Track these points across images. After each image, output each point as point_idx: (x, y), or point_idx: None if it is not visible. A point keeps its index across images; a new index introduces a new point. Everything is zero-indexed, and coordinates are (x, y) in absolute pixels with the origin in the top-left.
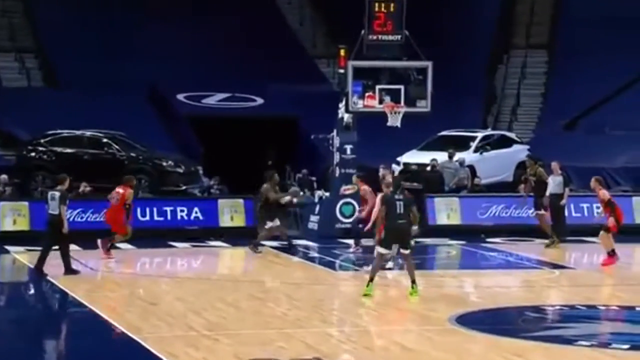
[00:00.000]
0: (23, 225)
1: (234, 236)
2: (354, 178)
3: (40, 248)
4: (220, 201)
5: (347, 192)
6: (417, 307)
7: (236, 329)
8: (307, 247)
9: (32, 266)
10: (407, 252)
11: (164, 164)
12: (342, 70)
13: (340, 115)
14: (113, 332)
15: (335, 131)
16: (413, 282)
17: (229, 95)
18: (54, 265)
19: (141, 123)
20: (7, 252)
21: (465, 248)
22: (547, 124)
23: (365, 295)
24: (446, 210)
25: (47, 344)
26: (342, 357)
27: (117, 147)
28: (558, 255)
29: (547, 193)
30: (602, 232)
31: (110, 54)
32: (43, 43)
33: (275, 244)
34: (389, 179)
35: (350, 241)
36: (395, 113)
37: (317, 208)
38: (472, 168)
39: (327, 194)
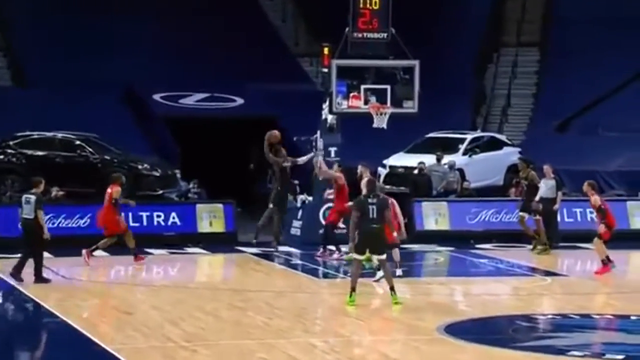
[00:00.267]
0: None
1: (213, 242)
2: (335, 166)
3: (7, 255)
4: (198, 206)
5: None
6: (403, 316)
7: (215, 340)
8: (289, 254)
9: (1, 275)
10: (382, 257)
11: (140, 167)
12: (325, 70)
13: (323, 117)
14: (86, 344)
15: (318, 133)
16: (391, 289)
17: (208, 95)
18: (23, 273)
19: (116, 124)
20: None
21: (454, 254)
22: (539, 125)
23: (349, 304)
24: (434, 216)
25: (16, 357)
26: None
27: (90, 149)
28: (550, 262)
29: (538, 197)
30: (595, 239)
31: (83, 53)
32: (12, 41)
33: (255, 250)
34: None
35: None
36: (381, 114)
37: (300, 213)
38: (461, 171)
39: (311, 198)
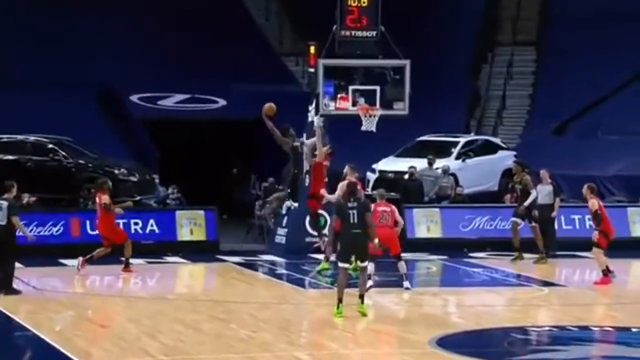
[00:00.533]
0: None
1: (194, 251)
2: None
3: None
4: (178, 213)
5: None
6: (393, 328)
7: (195, 354)
8: (273, 263)
9: None
10: (364, 264)
11: (116, 171)
12: (312, 70)
13: (310, 119)
14: (59, 359)
15: (304, 136)
16: (361, 297)
17: (188, 96)
18: None
19: (91, 127)
20: None
21: (446, 263)
22: (535, 128)
23: (336, 316)
24: (426, 223)
25: None
26: None
27: (63, 153)
28: (547, 272)
29: (527, 203)
30: (594, 249)
31: (56, 52)
32: None
33: (238, 259)
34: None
35: (321, 256)
36: (370, 116)
37: (285, 220)
38: (454, 176)
39: (296, 204)
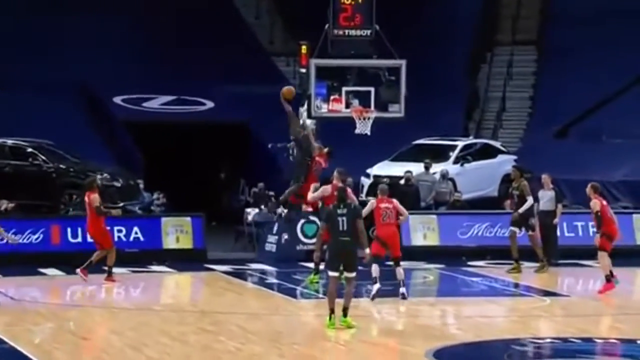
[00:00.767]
0: None
1: (180, 260)
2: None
3: None
4: (163, 220)
5: (310, 209)
6: (389, 340)
7: None
8: (263, 272)
9: None
10: (352, 275)
11: (99, 177)
12: (303, 70)
13: (301, 121)
14: None
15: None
16: (345, 309)
17: (174, 98)
18: None
19: (72, 130)
20: None
21: (444, 272)
22: (537, 131)
23: (329, 327)
24: (422, 230)
25: None
26: None
27: (43, 157)
28: (549, 281)
29: (522, 210)
30: (600, 253)
31: (35, 52)
32: None
33: (226, 268)
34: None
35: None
36: (364, 119)
37: (276, 227)
38: (452, 181)
39: (287, 211)
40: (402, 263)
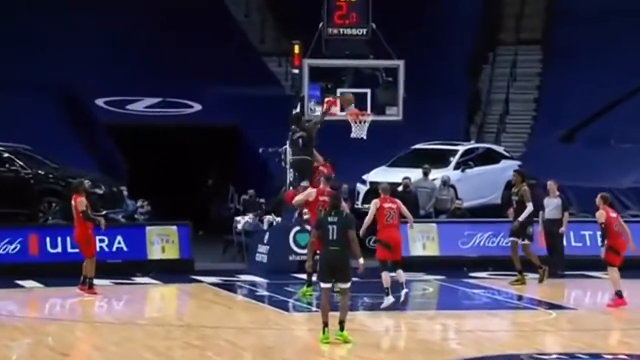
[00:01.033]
0: None
1: (165, 271)
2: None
3: None
4: (148, 229)
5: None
6: (386, 356)
7: None
8: (253, 284)
9: None
10: (345, 286)
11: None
12: (296, 71)
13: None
14: None
15: (287, 144)
16: (341, 323)
17: (159, 100)
18: None
19: (51, 134)
20: None
21: (444, 284)
22: (542, 135)
23: (323, 341)
24: (422, 239)
25: None
26: None
27: (21, 163)
28: (555, 293)
29: (522, 218)
30: (609, 267)
31: (11, 52)
32: None
33: (215, 279)
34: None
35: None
36: (360, 122)
37: (267, 237)
38: (453, 188)
39: (279, 219)
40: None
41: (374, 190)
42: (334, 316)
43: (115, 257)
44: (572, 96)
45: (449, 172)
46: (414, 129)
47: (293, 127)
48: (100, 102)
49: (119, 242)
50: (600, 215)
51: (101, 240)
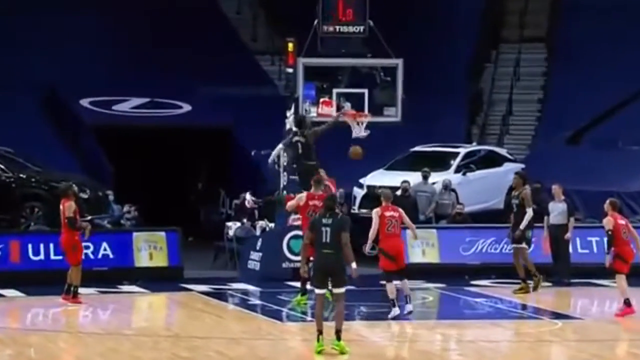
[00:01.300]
0: None
1: (154, 279)
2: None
3: None
4: (135, 235)
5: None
6: None
7: None
8: (245, 292)
9: None
10: (340, 291)
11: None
12: (290, 70)
13: (287, 126)
14: None
15: (281, 145)
16: (338, 332)
17: (147, 100)
18: None
19: (34, 136)
20: None
21: (444, 293)
22: (546, 137)
23: (318, 350)
24: (421, 246)
25: None
26: None
27: (1, 166)
28: (560, 302)
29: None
30: (617, 275)
31: None
32: None
33: (205, 288)
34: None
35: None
36: (358, 123)
37: (259, 243)
38: (454, 192)
39: (272, 225)
40: (398, 282)
41: (371, 195)
42: (329, 326)
43: (101, 264)
44: (578, 96)
45: (450, 176)
46: (413, 130)
47: (294, 129)
48: (85, 102)
49: (105, 249)
50: (608, 222)
51: (86, 247)
